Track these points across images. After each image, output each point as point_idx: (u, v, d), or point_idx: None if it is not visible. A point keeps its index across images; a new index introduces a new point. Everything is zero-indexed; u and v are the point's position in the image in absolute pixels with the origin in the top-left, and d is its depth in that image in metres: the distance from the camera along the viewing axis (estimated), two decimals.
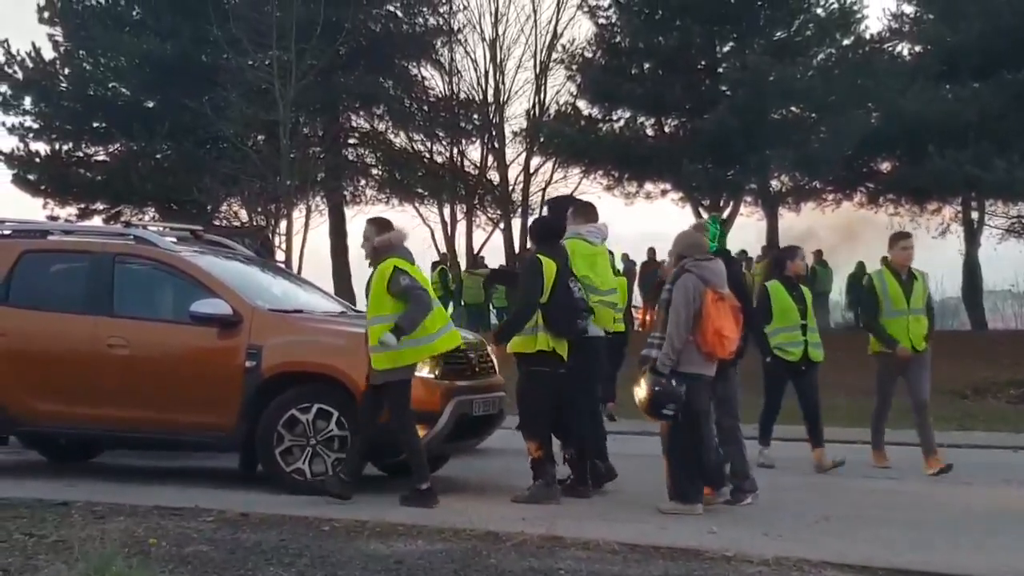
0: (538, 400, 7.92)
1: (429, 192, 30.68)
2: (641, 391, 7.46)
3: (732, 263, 8.59)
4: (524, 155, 29.57)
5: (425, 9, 29.92)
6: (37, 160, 28.55)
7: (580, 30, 44.56)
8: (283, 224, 25.65)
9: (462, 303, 25.43)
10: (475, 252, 29.69)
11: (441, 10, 29.96)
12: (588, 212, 8.67)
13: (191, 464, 9.91)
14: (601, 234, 8.58)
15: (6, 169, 28.28)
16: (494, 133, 29.71)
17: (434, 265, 26.94)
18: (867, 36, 26.49)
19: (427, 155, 30.63)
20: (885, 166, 26.49)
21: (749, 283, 12.53)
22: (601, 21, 27.74)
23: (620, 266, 22.25)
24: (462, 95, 30.09)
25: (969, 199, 26.34)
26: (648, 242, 25.66)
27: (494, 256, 29.08)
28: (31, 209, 29.17)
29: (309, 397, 8.13)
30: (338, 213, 29.91)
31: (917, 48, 26.79)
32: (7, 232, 9.58)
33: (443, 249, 30.10)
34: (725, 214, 26.32)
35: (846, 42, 26.02)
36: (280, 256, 23.87)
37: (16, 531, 6.46)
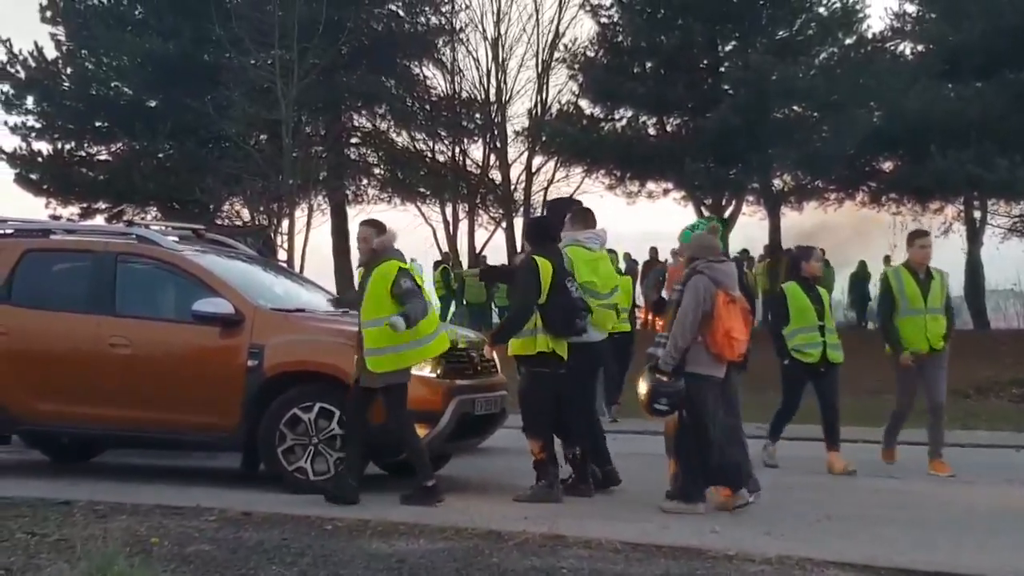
0: (540, 401, 7.93)
1: (431, 191, 30.68)
2: (641, 388, 7.48)
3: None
4: (526, 154, 29.62)
5: (427, 8, 29.89)
6: (39, 159, 28.54)
7: (582, 29, 44.69)
8: (285, 223, 25.68)
9: (464, 302, 25.44)
10: (477, 251, 29.70)
11: (443, 9, 29.95)
12: (586, 218, 8.63)
13: (193, 463, 9.92)
14: (600, 240, 8.55)
15: (8, 168, 28.32)
16: (496, 132, 29.71)
17: (436, 264, 26.95)
18: (869, 35, 26.50)
19: (429, 154, 30.62)
20: (887, 165, 26.46)
21: (751, 283, 12.53)
22: (603, 20, 27.73)
23: (622, 266, 22.26)
24: (464, 94, 30.11)
25: (971, 198, 26.33)
26: (650, 241, 25.70)
27: (496, 256, 29.10)
28: (33, 208, 29.26)
29: (311, 396, 8.13)
30: (340, 212, 29.92)
31: (919, 47, 26.76)
32: (9, 231, 9.59)
33: (445, 248, 30.11)
34: (727, 213, 26.32)
35: (848, 41, 25.98)
36: (282, 255, 23.88)
37: (18, 530, 6.47)
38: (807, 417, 10.18)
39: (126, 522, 6.75)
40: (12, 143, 28.45)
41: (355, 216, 30.06)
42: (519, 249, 27.35)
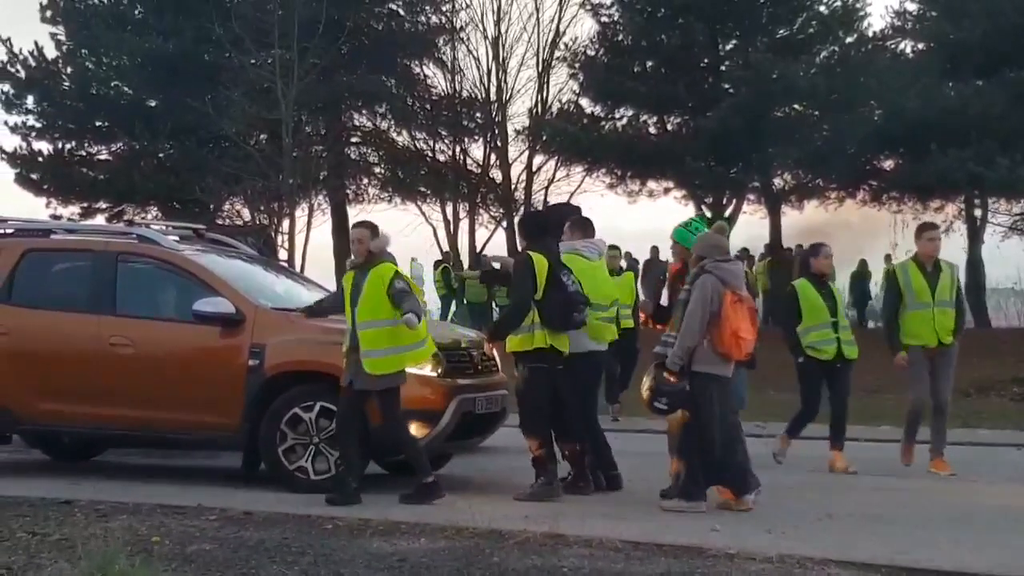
0: (537, 398, 7.91)
1: (432, 191, 30.67)
2: (645, 385, 7.49)
3: None
4: (527, 153, 29.59)
5: (427, 7, 29.89)
6: (40, 159, 28.55)
7: (582, 28, 44.53)
8: (286, 223, 25.70)
9: (464, 301, 25.41)
10: (478, 251, 29.69)
11: (443, 8, 29.93)
12: (585, 227, 8.60)
13: (194, 463, 9.92)
14: (598, 250, 8.53)
15: (9, 168, 28.34)
16: (497, 131, 29.68)
17: (437, 264, 26.94)
18: (870, 34, 26.52)
19: (429, 154, 30.61)
20: (888, 164, 26.45)
21: (751, 282, 12.52)
22: (603, 19, 27.75)
23: (624, 263, 22.22)
24: (464, 93, 30.08)
25: (972, 197, 26.32)
26: (651, 240, 25.65)
27: (497, 250, 29.04)
28: (34, 208, 29.21)
29: (312, 395, 8.14)
30: (341, 212, 29.90)
31: (920, 46, 26.76)
32: (10, 231, 9.59)
33: (446, 248, 30.10)
34: (728, 212, 26.33)
35: (849, 40, 25.99)
36: (283, 255, 23.90)
37: (19, 529, 6.48)
38: None
39: (127, 521, 6.75)
40: (12, 143, 28.49)
41: (356, 216, 30.08)
42: (520, 248, 27.29)
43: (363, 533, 6.54)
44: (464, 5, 29.63)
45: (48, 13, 28.36)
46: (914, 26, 26.98)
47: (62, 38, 28.68)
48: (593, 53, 27.90)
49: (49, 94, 28.53)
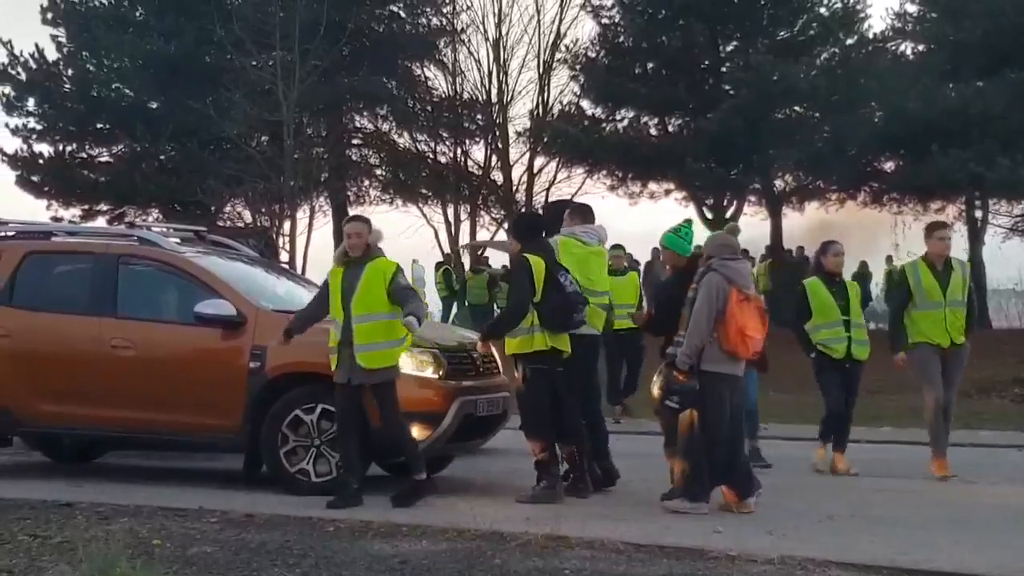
0: (538, 400, 7.89)
1: (433, 192, 30.67)
2: (655, 384, 7.50)
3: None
4: (528, 155, 29.58)
5: (428, 9, 29.92)
6: (41, 161, 28.54)
7: (583, 30, 44.42)
8: (287, 225, 25.71)
9: (466, 303, 25.42)
10: (479, 252, 29.68)
11: (444, 10, 29.97)
12: (584, 213, 8.61)
13: (195, 465, 9.92)
14: (597, 235, 8.49)
15: (10, 170, 28.33)
16: (498, 133, 29.69)
17: (438, 266, 26.95)
18: (870, 35, 26.50)
19: (431, 155, 30.62)
20: (889, 165, 26.44)
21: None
22: (604, 21, 27.77)
23: (626, 264, 22.19)
24: (466, 95, 30.08)
25: (973, 198, 26.30)
26: (652, 242, 25.49)
27: (498, 257, 29.06)
28: (35, 210, 29.14)
29: (313, 397, 8.13)
30: (342, 214, 29.74)
31: (920, 47, 26.75)
32: (11, 233, 9.60)
33: (447, 249, 30.10)
34: (729, 214, 26.33)
35: (849, 41, 25.99)
36: (284, 257, 23.89)
37: (20, 532, 6.48)
38: (809, 417, 10.17)
39: (128, 524, 6.75)
40: (13, 145, 28.46)
41: None
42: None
43: (364, 535, 6.55)
44: (465, 7, 29.70)
45: (49, 15, 28.37)
46: (914, 27, 26.97)
47: (63, 40, 28.70)
48: (594, 55, 27.91)
49: (50, 96, 28.53)
